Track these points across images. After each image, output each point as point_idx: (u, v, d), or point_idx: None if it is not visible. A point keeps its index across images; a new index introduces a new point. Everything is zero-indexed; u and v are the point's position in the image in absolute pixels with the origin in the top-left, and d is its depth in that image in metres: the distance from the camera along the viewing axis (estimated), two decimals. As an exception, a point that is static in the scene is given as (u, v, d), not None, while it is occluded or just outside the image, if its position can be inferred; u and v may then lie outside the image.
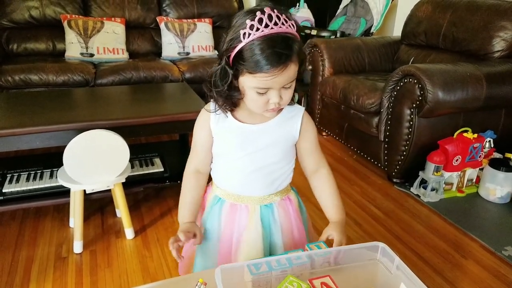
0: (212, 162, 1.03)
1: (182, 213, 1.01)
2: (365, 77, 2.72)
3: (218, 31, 3.49)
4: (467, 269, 1.70)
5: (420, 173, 2.24)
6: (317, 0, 4.10)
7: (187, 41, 3.34)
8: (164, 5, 3.48)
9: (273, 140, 0.95)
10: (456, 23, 2.57)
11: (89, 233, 1.86)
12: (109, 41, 3.12)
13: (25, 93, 2.46)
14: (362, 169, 2.61)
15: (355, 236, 1.91)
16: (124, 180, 1.77)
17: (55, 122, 1.71)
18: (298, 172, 1.06)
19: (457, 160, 2.18)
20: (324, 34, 3.39)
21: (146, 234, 1.87)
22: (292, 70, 0.82)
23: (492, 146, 2.30)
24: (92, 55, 3.06)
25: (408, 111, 2.18)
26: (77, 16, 3.17)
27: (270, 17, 0.78)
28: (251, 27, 0.78)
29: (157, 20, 3.41)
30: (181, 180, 1.05)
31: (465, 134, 2.19)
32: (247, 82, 0.83)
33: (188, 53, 3.34)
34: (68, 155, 1.59)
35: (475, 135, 2.19)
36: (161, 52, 3.35)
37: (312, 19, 3.79)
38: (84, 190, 1.70)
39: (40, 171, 1.97)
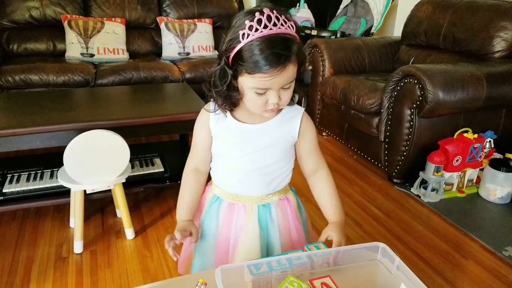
0: (211, 161, 1.03)
1: (180, 212, 1.02)
2: (366, 77, 2.72)
3: (218, 31, 3.49)
4: (467, 270, 1.70)
5: (421, 173, 2.24)
6: (317, 0, 4.10)
7: (187, 41, 3.34)
8: (164, 5, 3.48)
9: (272, 140, 0.96)
10: (457, 23, 2.57)
11: (90, 233, 1.86)
12: (109, 41, 3.12)
13: (25, 93, 2.47)
14: (363, 170, 2.61)
15: (355, 237, 1.91)
16: (124, 180, 1.77)
17: (55, 122, 1.71)
18: (298, 172, 1.06)
19: (457, 161, 2.18)
20: (324, 34, 3.39)
21: (146, 234, 1.87)
22: (291, 70, 0.82)
23: (493, 146, 2.30)
24: (92, 55, 3.06)
25: (408, 111, 2.18)
26: (77, 16, 3.17)
27: (269, 18, 0.78)
28: (250, 27, 0.78)
29: (157, 20, 3.41)
30: (181, 180, 1.05)
31: (465, 135, 2.19)
32: (246, 82, 0.84)
33: (188, 53, 3.34)
34: (68, 155, 1.59)
35: (476, 136, 2.19)
36: (161, 52, 3.35)
37: (312, 19, 3.79)
38: (85, 190, 1.70)
39: (40, 171, 1.97)
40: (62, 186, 1.72)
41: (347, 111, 2.62)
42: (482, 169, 2.29)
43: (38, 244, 1.79)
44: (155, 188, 2.13)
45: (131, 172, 1.84)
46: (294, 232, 1.04)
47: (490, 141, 2.28)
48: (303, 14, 3.75)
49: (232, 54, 0.82)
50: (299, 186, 1.10)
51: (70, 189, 1.74)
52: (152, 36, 3.45)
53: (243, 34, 0.79)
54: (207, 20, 3.49)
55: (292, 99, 0.94)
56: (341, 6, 3.75)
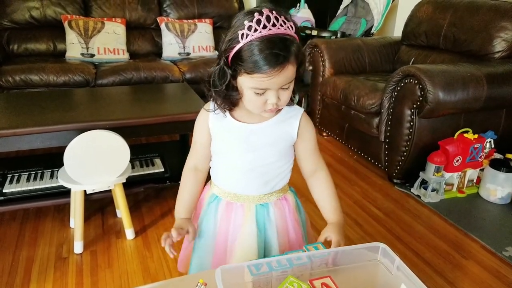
0: (211, 161, 1.04)
1: (178, 209, 1.03)
2: (366, 77, 2.72)
3: (219, 32, 3.49)
4: (467, 270, 1.70)
5: (421, 173, 2.24)
6: (318, 1, 4.10)
7: (187, 41, 3.34)
8: (164, 6, 3.48)
9: (271, 140, 0.96)
10: (457, 23, 2.57)
11: (90, 234, 1.86)
12: (109, 41, 3.12)
13: (25, 93, 2.47)
14: (363, 170, 2.61)
15: (355, 237, 1.91)
16: (124, 181, 1.77)
17: (55, 123, 1.71)
18: (298, 172, 1.06)
19: (457, 161, 2.18)
20: (325, 34, 3.39)
21: (146, 235, 1.87)
22: (289, 71, 0.82)
23: (493, 146, 2.30)
24: (92, 55, 3.06)
25: (408, 112, 2.18)
26: (77, 16, 3.17)
27: (268, 18, 0.78)
28: (249, 28, 0.79)
29: (158, 20, 3.41)
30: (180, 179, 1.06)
31: (465, 135, 2.19)
32: (245, 82, 0.84)
33: (188, 54, 3.34)
34: (68, 155, 1.59)
35: (476, 136, 2.19)
36: (161, 53, 3.36)
37: (313, 20, 3.79)
38: (85, 191, 1.70)
39: (40, 171, 1.97)
40: (62, 186, 1.72)
41: (348, 111, 2.62)
42: (482, 170, 2.29)
43: (38, 244, 1.79)
44: (155, 188, 2.13)
45: (131, 172, 1.84)
46: (292, 232, 1.04)
47: (490, 141, 2.28)
48: (303, 14, 3.75)
49: (231, 54, 0.83)
50: (299, 186, 1.10)
51: (70, 189, 1.74)
52: (152, 36, 3.45)
53: (242, 34, 0.79)
54: (207, 20, 3.49)
55: (292, 99, 0.94)
56: (341, 7, 3.75)
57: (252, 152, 0.95)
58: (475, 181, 2.33)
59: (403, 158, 2.28)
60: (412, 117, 2.18)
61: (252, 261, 0.76)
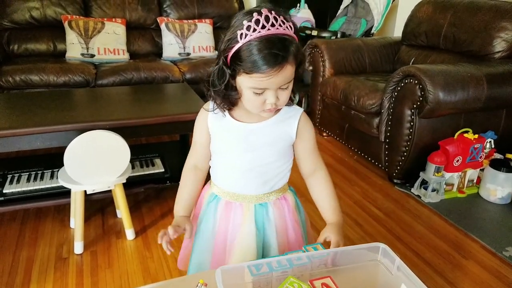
0: (211, 160, 1.04)
1: (177, 207, 1.04)
2: (366, 77, 2.72)
3: (219, 32, 3.49)
4: (468, 270, 1.70)
5: (421, 173, 2.24)
6: (318, 1, 4.10)
7: (187, 41, 3.35)
8: (164, 6, 3.48)
9: (271, 140, 0.96)
10: (457, 23, 2.57)
11: (90, 234, 1.86)
12: (109, 41, 3.12)
13: (25, 93, 2.47)
14: (363, 170, 2.61)
15: (355, 237, 1.90)
16: (124, 181, 1.77)
17: (56, 123, 1.71)
18: (298, 171, 1.06)
19: (457, 161, 2.18)
20: (325, 34, 3.39)
21: (146, 235, 1.87)
22: (288, 71, 0.82)
23: (493, 146, 2.30)
24: (92, 55, 3.07)
25: (408, 112, 2.18)
26: (77, 16, 3.17)
27: (267, 18, 0.79)
28: (248, 27, 0.79)
29: (158, 20, 3.41)
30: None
31: (465, 135, 2.19)
32: (244, 82, 0.84)
33: (188, 54, 3.35)
34: (69, 156, 1.59)
35: (476, 136, 2.19)
36: (161, 53, 3.36)
37: (313, 20, 3.79)
38: (85, 191, 1.70)
39: (40, 172, 1.97)
40: (62, 187, 1.72)
41: (348, 112, 2.62)
42: (482, 170, 2.29)
43: (39, 245, 1.79)
44: (155, 189, 2.13)
45: (131, 173, 1.84)
46: (291, 232, 1.04)
47: (490, 141, 2.28)
48: (303, 14, 3.75)
49: (230, 54, 0.83)
50: (298, 186, 1.10)
51: (70, 189, 1.74)
52: (152, 37, 3.45)
53: (241, 34, 0.80)
54: (207, 20, 3.49)
55: (292, 100, 0.94)
56: (342, 7, 3.75)
57: (251, 151, 0.96)
58: (475, 181, 2.33)
59: (403, 158, 2.28)
60: (412, 117, 2.18)
61: (252, 261, 0.76)
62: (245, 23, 0.79)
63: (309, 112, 3.14)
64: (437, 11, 2.73)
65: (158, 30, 3.42)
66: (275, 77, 0.81)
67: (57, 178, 1.76)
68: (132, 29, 3.36)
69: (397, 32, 3.43)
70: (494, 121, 2.36)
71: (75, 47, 3.05)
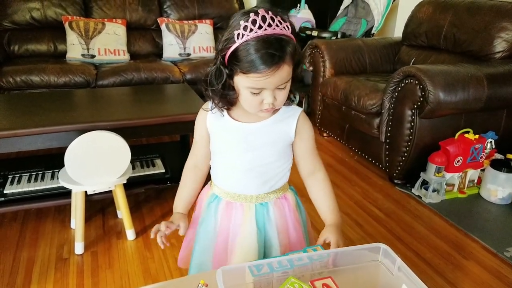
0: (210, 159, 1.05)
1: (176, 204, 1.08)
2: (366, 78, 2.72)
3: (219, 32, 3.49)
4: (468, 270, 1.70)
5: (422, 174, 2.24)
6: (318, 1, 4.11)
7: (188, 42, 3.35)
8: (165, 7, 3.48)
9: (269, 140, 0.96)
10: (457, 24, 2.57)
11: (90, 234, 1.86)
12: (110, 42, 3.13)
13: (26, 94, 2.47)
14: (363, 170, 2.61)
15: (356, 237, 1.90)
16: (125, 181, 1.77)
17: (56, 123, 1.71)
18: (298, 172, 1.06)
19: (458, 161, 2.18)
20: (325, 35, 3.39)
21: (147, 235, 1.87)
22: (285, 71, 0.83)
23: (494, 147, 2.30)
24: (93, 56, 3.07)
25: (409, 112, 2.18)
26: (78, 17, 3.17)
27: (263, 19, 0.79)
28: (245, 28, 0.79)
29: (158, 21, 3.41)
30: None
31: (466, 135, 2.19)
32: (241, 82, 0.85)
33: (189, 54, 3.35)
34: (69, 156, 1.59)
35: (477, 136, 2.19)
36: (162, 53, 3.36)
37: (313, 20, 3.80)
38: (85, 191, 1.70)
39: (41, 172, 1.97)
40: (63, 187, 1.72)
41: (348, 112, 2.62)
42: (483, 170, 2.28)
43: (39, 245, 1.79)
44: (156, 189, 2.13)
45: (132, 173, 1.84)
46: (292, 231, 1.04)
47: (491, 141, 2.28)
48: (303, 15, 3.75)
49: (227, 54, 0.83)
50: (299, 186, 1.10)
51: (71, 190, 1.74)
52: (152, 37, 3.45)
53: (238, 34, 0.80)
54: (207, 21, 3.49)
55: (291, 100, 0.94)
56: (342, 7, 3.75)
57: (251, 151, 0.96)
58: (476, 181, 2.33)
59: (403, 158, 2.28)
60: (413, 117, 2.18)
61: (253, 262, 0.76)
62: (242, 23, 0.79)
63: (310, 112, 3.14)
64: (437, 11, 2.73)
65: (158, 30, 3.42)
66: (272, 77, 0.81)
67: (57, 178, 1.76)
68: (133, 29, 3.36)
69: (398, 32, 3.43)
70: (494, 121, 2.36)
71: (76, 48, 3.06)
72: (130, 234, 1.84)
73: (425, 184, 2.27)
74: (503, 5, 2.39)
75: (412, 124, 2.19)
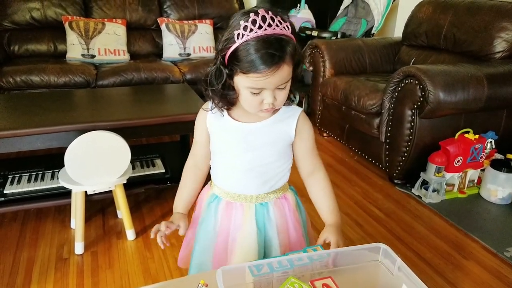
0: (211, 159, 1.05)
1: (175, 203, 1.08)
2: (366, 78, 2.72)
3: (219, 32, 3.49)
4: (468, 270, 1.70)
5: (422, 174, 2.24)
6: (318, 1, 4.11)
7: (188, 42, 3.35)
8: (165, 7, 3.48)
9: (269, 140, 0.96)
10: (457, 24, 2.57)
11: (90, 234, 1.86)
12: (110, 42, 3.13)
13: (26, 94, 2.47)
14: (363, 170, 2.61)
15: (356, 237, 1.90)
16: (125, 181, 1.77)
17: (56, 123, 1.71)
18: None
19: (458, 161, 2.18)
20: (325, 35, 3.39)
21: (147, 235, 1.87)
22: (285, 71, 0.83)
23: (494, 147, 2.30)
24: (93, 56, 3.07)
25: (409, 112, 2.18)
26: (78, 17, 3.17)
27: (263, 19, 0.79)
28: (245, 28, 0.79)
29: (158, 21, 3.41)
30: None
31: (466, 135, 2.19)
32: (241, 82, 0.85)
33: (189, 54, 3.35)
34: (69, 156, 1.59)
35: (477, 136, 2.19)
36: (162, 53, 3.36)
37: (313, 20, 3.80)
38: (85, 191, 1.70)
39: (41, 172, 1.97)
40: (63, 187, 1.72)
41: (348, 112, 2.62)
42: (483, 170, 2.28)
43: (39, 245, 1.79)
44: (156, 189, 2.13)
45: (132, 173, 1.84)
46: (292, 231, 1.04)
47: (491, 141, 2.28)
48: (303, 15, 3.75)
49: (227, 54, 0.84)
50: (299, 185, 1.10)
51: (71, 190, 1.74)
52: (152, 37, 3.45)
53: (238, 34, 0.80)
54: (207, 21, 3.49)
55: (291, 100, 0.95)
56: (342, 7, 3.75)
57: (251, 151, 0.96)
58: (476, 181, 2.33)
59: (403, 158, 2.28)
60: (413, 117, 2.18)
61: (253, 262, 0.76)
62: (242, 23, 0.79)
63: (310, 112, 3.14)
64: (437, 11, 2.73)
65: (158, 30, 3.42)
66: (272, 77, 0.81)
67: (57, 178, 1.76)
68: (133, 29, 3.36)
69: (398, 32, 3.43)
70: (494, 121, 2.36)
71: (76, 48, 3.06)
72: (130, 234, 1.84)
73: (425, 184, 2.27)
74: (503, 5, 2.39)
75: (412, 124, 2.19)
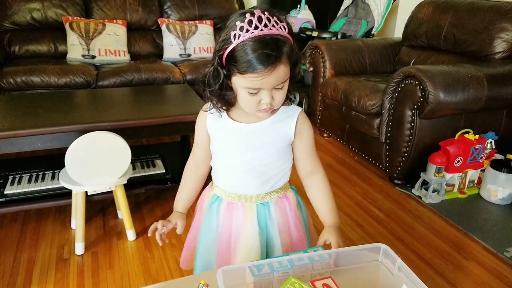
0: (211, 160, 1.06)
1: (175, 203, 1.10)
2: (366, 78, 2.72)
3: (219, 33, 3.49)
4: (468, 271, 1.70)
5: (422, 174, 2.24)
6: (318, 2, 4.11)
7: (188, 42, 3.35)
8: (165, 7, 3.49)
9: (269, 140, 0.97)
10: (457, 24, 2.57)
11: (91, 235, 1.86)
12: (110, 43, 3.13)
13: (27, 95, 2.47)
14: (364, 171, 2.61)
15: (356, 238, 1.90)
16: (125, 182, 1.77)
17: (57, 124, 1.72)
18: (299, 172, 1.07)
19: (458, 162, 2.18)
20: (325, 35, 3.39)
21: (147, 236, 1.87)
22: (281, 71, 0.83)
23: (494, 147, 2.30)
24: (93, 57, 3.07)
25: (409, 112, 2.18)
26: (78, 18, 3.17)
27: (259, 19, 0.80)
28: (241, 28, 0.80)
29: (159, 22, 3.41)
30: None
31: (466, 136, 2.19)
32: (239, 82, 0.85)
33: (189, 55, 3.35)
34: (70, 157, 1.59)
35: (477, 136, 2.19)
36: (162, 54, 3.36)
37: (313, 21, 3.80)
38: (86, 192, 1.71)
39: (42, 173, 1.97)
40: (63, 188, 1.72)
41: (348, 112, 2.62)
42: (483, 170, 2.28)
43: (40, 246, 1.79)
44: (156, 190, 2.13)
45: (132, 174, 1.84)
46: (294, 230, 1.04)
47: (491, 142, 2.28)
48: (304, 15, 3.75)
49: (225, 54, 0.84)
50: (300, 185, 1.10)
51: (71, 190, 1.74)
52: (153, 38, 3.46)
53: (235, 34, 0.81)
54: (208, 21, 3.50)
55: (291, 100, 0.95)
56: (342, 8, 3.75)
57: (251, 151, 0.96)
58: (476, 181, 2.33)
59: (404, 159, 2.28)
60: (413, 117, 2.18)
61: (253, 262, 0.76)
62: (239, 24, 0.80)
63: (310, 113, 3.14)
64: (437, 12, 2.73)
65: (158, 31, 3.42)
66: (269, 77, 0.82)
67: (58, 179, 1.76)
68: (133, 30, 3.37)
69: (398, 33, 3.43)
70: (494, 121, 2.36)
71: (76, 48, 3.06)
72: (130, 234, 1.84)
73: (425, 185, 2.27)
74: (503, 5, 2.39)
75: (412, 124, 2.19)
